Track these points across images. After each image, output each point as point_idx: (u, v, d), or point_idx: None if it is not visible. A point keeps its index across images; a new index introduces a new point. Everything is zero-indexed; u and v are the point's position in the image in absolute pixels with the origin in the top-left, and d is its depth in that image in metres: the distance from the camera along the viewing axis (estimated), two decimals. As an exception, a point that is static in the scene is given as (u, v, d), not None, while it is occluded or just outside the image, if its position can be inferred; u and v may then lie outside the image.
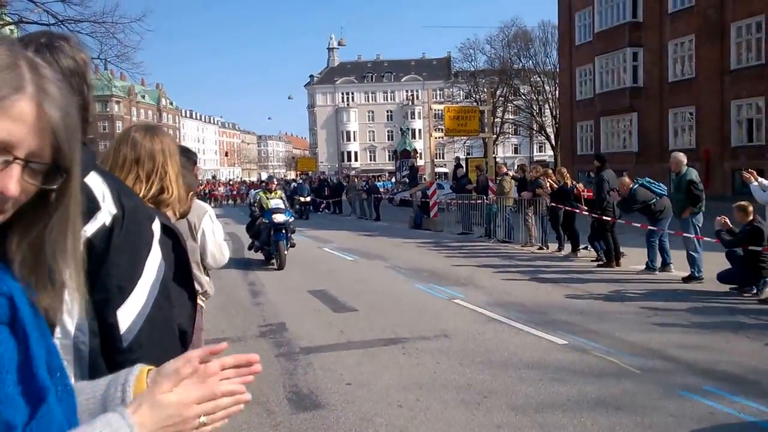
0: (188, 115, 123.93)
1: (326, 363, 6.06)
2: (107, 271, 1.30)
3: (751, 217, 8.37)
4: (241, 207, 37.00)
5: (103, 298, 1.29)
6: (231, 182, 62.05)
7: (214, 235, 3.66)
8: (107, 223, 1.32)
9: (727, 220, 8.48)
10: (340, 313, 8.27)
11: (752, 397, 4.81)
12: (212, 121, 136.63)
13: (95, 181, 1.34)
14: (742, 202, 8.52)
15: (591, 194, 12.49)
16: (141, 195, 2.30)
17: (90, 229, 1.27)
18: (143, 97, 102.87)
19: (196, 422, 0.92)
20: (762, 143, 24.88)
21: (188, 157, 3.34)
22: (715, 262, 8.99)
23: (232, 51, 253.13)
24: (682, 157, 10.07)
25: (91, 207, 1.28)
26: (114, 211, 1.34)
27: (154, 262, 1.44)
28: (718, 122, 27.18)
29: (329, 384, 5.44)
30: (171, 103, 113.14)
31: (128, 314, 1.34)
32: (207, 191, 44.50)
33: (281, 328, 7.49)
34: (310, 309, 8.63)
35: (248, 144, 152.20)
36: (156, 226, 1.55)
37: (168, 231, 2.32)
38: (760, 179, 8.13)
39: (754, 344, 6.27)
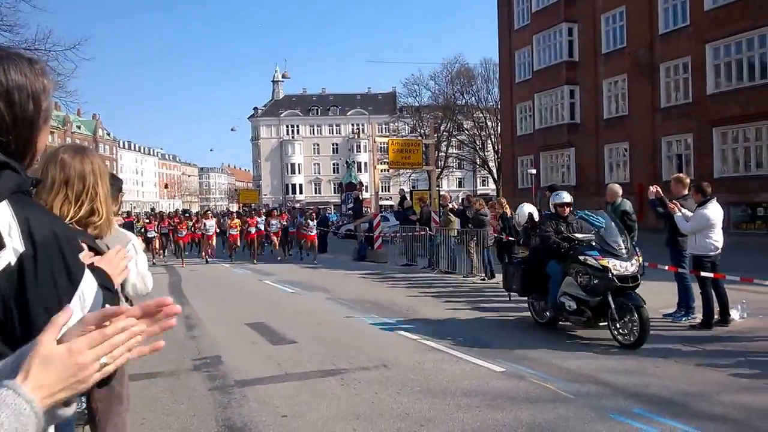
0: (126, 146, 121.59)
1: (262, 395, 5.94)
2: (27, 319, 1.10)
3: (686, 191, 8.63)
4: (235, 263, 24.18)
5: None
6: (236, 212, 33.62)
7: (137, 266, 3.56)
8: (12, 263, 1.11)
9: (659, 189, 8.73)
10: (278, 345, 8.14)
11: (679, 418, 4.93)
12: (152, 153, 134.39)
13: (3, 213, 1.13)
14: (680, 174, 8.83)
15: None
16: (69, 216, 2.22)
17: None
18: (79, 127, 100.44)
19: (97, 365, 0.91)
20: (691, 178, 25.90)
21: (113, 183, 3.28)
22: (647, 290, 9.24)
23: (174, 82, 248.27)
24: (618, 188, 10.39)
25: None
26: (21, 248, 1.12)
27: (88, 292, 1.22)
28: (650, 157, 28.32)
29: (264, 416, 5.31)
30: (108, 134, 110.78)
31: None
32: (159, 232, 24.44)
33: (216, 362, 7.31)
34: (247, 342, 8.47)
35: (189, 176, 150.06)
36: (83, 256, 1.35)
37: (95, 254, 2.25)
38: (683, 210, 8.43)
39: (682, 368, 6.46)
